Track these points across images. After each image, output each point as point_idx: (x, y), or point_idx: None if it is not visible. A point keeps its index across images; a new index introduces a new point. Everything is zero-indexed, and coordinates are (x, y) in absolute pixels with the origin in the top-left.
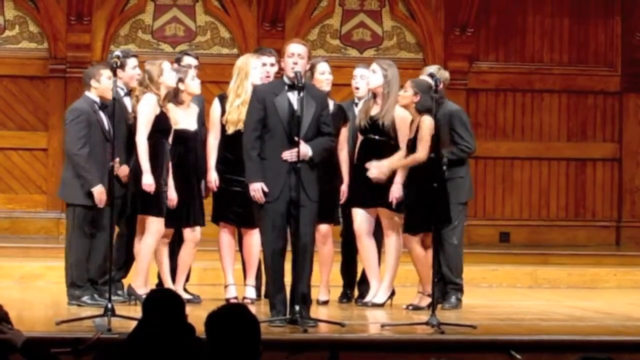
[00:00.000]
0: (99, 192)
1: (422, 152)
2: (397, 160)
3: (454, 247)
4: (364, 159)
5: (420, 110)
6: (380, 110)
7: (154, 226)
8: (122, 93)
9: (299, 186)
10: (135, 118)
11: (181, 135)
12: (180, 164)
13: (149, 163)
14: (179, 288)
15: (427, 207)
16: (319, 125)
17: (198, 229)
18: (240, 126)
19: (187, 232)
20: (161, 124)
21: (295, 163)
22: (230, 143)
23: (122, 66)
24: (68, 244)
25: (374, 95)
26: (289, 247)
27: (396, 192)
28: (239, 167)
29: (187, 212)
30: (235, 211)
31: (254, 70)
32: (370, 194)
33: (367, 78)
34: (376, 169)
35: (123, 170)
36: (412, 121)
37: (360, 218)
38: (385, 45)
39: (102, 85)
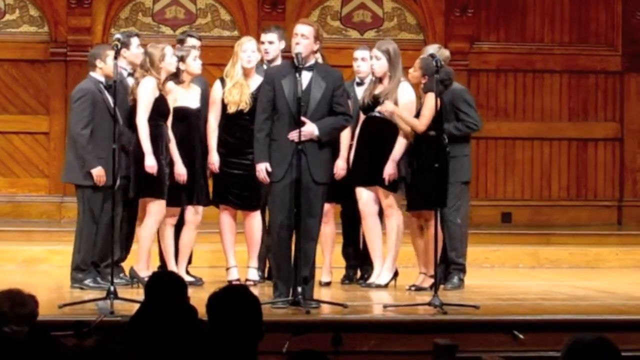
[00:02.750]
0: (98, 174)
1: (421, 122)
2: (400, 113)
3: (458, 227)
4: (366, 138)
5: (427, 91)
6: (384, 89)
7: (155, 208)
8: (125, 73)
9: (300, 167)
10: (134, 100)
11: (182, 112)
12: (183, 141)
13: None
14: (181, 270)
15: (428, 185)
16: (332, 105)
17: (200, 209)
18: (243, 106)
19: (189, 214)
20: (160, 106)
21: (298, 143)
22: (230, 125)
23: (127, 45)
24: (79, 227)
25: (380, 79)
26: None
27: (389, 168)
28: (240, 149)
29: (191, 191)
30: (235, 194)
31: (242, 53)
32: (371, 172)
33: (368, 60)
34: (386, 106)
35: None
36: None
37: (366, 197)
38: (385, 27)
39: (107, 65)
